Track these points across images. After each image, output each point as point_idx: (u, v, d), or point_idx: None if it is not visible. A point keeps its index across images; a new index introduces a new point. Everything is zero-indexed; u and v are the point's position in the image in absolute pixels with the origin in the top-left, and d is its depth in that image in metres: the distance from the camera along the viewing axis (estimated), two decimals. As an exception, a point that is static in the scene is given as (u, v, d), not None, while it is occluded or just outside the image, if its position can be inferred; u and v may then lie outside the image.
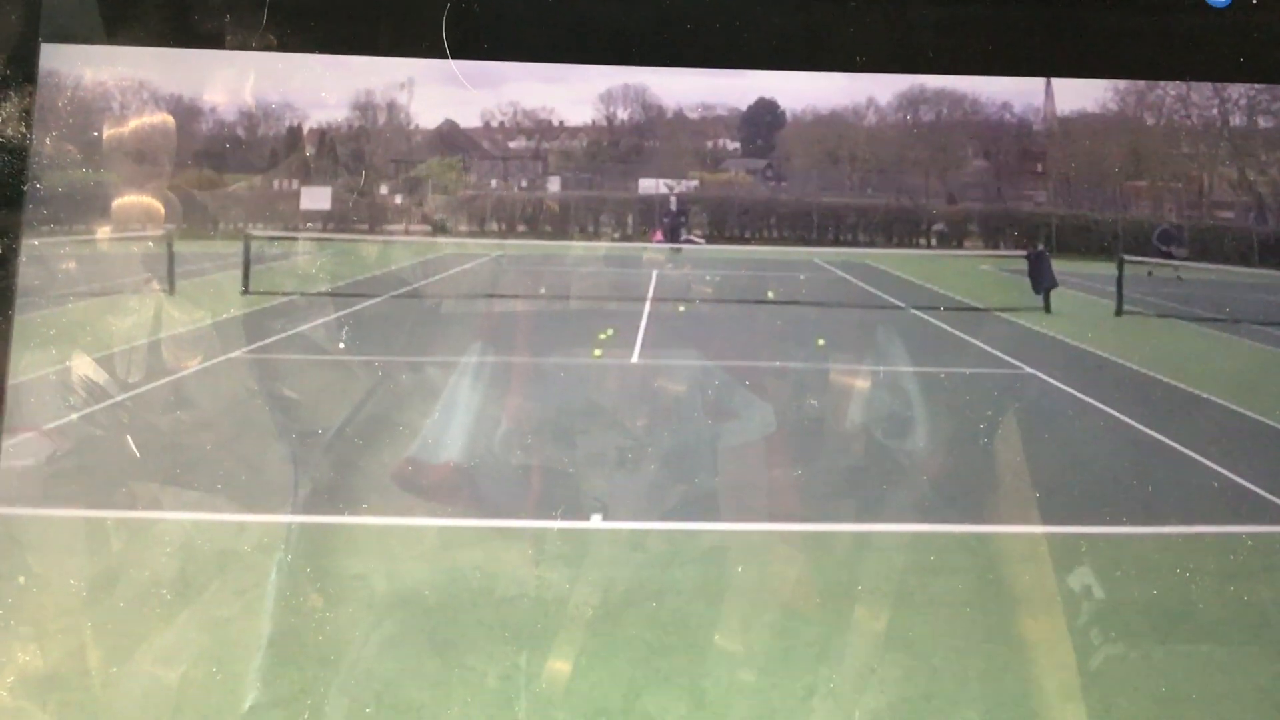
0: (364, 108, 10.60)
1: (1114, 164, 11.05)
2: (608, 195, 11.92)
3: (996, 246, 11.74)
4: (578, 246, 11.59)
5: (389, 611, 4.82)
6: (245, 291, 9.88)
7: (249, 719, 4.09)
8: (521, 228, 11.61)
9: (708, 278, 11.76)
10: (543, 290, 10.86)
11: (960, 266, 12.20)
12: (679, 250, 11.80)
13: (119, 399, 5.49)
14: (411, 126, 11.04)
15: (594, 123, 11.96)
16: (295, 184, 9.78)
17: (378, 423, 6.63)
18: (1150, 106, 10.70)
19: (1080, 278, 11.41)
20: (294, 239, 10.06)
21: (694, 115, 12.12)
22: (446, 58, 2.79)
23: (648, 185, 11.82)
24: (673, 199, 11.79)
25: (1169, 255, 11.15)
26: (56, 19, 2.80)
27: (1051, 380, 8.66)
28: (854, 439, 6.95)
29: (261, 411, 6.64)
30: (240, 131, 9.53)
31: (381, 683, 4.34)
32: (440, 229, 11.22)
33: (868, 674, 4.39)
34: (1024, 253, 10.99)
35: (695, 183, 12.00)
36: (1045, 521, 5.75)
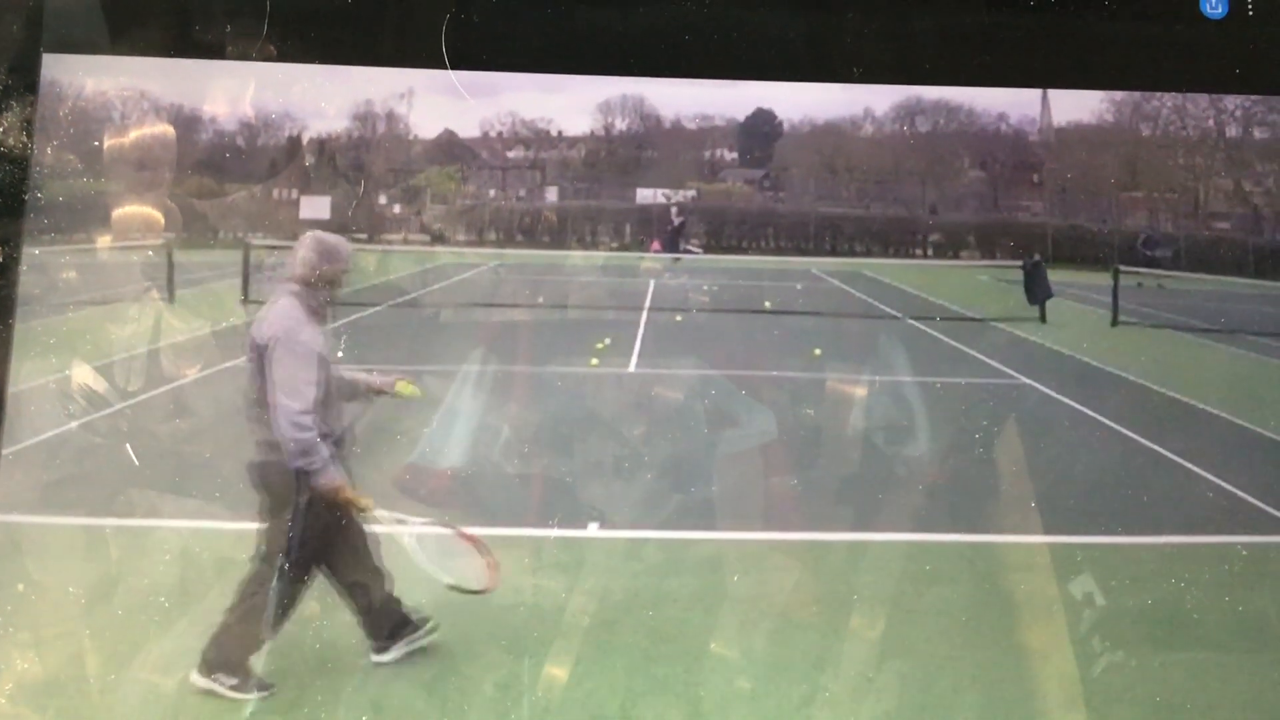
0: (363, 118, 10.62)
1: (1110, 175, 11.07)
2: (606, 205, 11.93)
3: (993, 257, 11.76)
4: (576, 256, 11.60)
5: (387, 619, 4.82)
6: (245, 300, 9.88)
7: (247, 726, 4.10)
8: (519, 237, 11.62)
9: (705, 287, 11.78)
10: (541, 300, 10.87)
11: (957, 277, 12.22)
12: (678, 260, 11.82)
13: (119, 407, 5.50)
14: (410, 136, 11.06)
15: (592, 133, 11.98)
16: (295, 193, 9.79)
17: (376, 431, 6.64)
18: (1146, 118, 10.73)
19: (1076, 288, 11.42)
20: (294, 248, 10.06)
21: (692, 125, 12.14)
22: (445, 68, 2.81)
23: (645, 195, 11.83)
24: (673, 209, 11.81)
25: (1154, 260, 11.17)
26: (58, 29, 2.82)
27: (1047, 391, 8.67)
28: (850, 449, 6.96)
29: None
30: (240, 141, 9.54)
31: (378, 690, 4.35)
32: (438, 238, 11.23)
33: (864, 682, 4.40)
34: (1020, 263, 11.01)
35: (693, 193, 12.02)
36: (1041, 531, 5.76)
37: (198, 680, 4.30)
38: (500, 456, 6.60)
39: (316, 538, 4.49)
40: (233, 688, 4.31)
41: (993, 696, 4.33)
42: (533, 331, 9.87)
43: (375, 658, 4.51)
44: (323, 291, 4.66)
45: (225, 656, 4.34)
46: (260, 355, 4.46)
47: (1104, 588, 5.14)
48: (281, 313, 4.53)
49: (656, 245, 11.65)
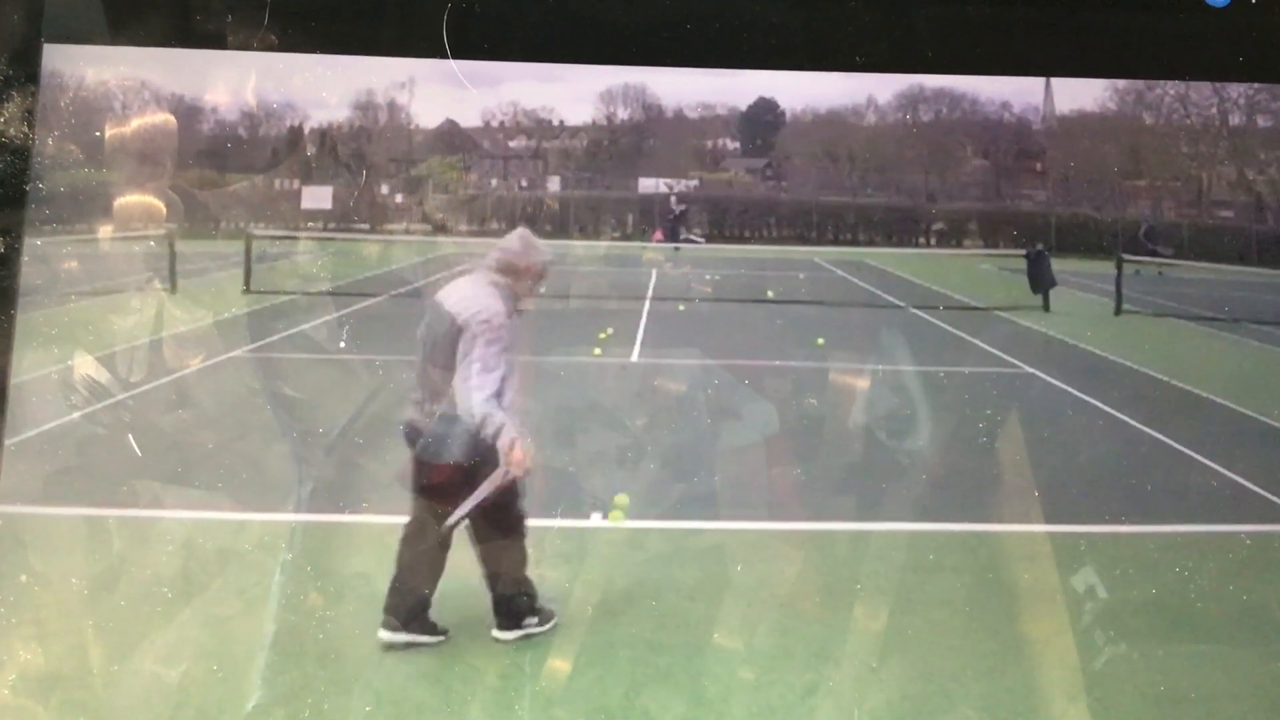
0: (365, 108, 10.62)
1: (1113, 163, 11.07)
2: (608, 194, 11.95)
3: (996, 245, 11.76)
4: (578, 245, 11.61)
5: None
6: (247, 290, 9.89)
7: (251, 717, 4.10)
8: (522, 227, 11.62)
9: (707, 277, 11.78)
10: (543, 289, 10.87)
11: (960, 265, 12.22)
12: (678, 249, 11.84)
13: (121, 397, 5.51)
14: (412, 126, 11.07)
15: (594, 122, 11.99)
16: (296, 183, 9.80)
17: (379, 422, 6.64)
18: (1149, 106, 10.72)
19: (1080, 277, 11.42)
20: (295, 238, 10.08)
21: (694, 115, 12.15)
22: (447, 58, 2.80)
23: (648, 185, 11.84)
24: (672, 199, 11.83)
25: (1156, 251, 11.18)
26: (59, 20, 2.81)
27: (1050, 379, 8.67)
28: (853, 438, 6.96)
29: (263, 410, 6.65)
30: (241, 131, 9.56)
31: (382, 681, 4.35)
32: (440, 228, 11.23)
33: (867, 672, 4.41)
34: (1023, 252, 11.00)
35: (695, 182, 12.03)
36: (1044, 521, 5.76)
37: (508, 635, 4.69)
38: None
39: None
40: (536, 625, 4.73)
41: (996, 686, 4.34)
42: (535, 321, 9.87)
43: (382, 632, 4.55)
44: (521, 284, 4.81)
45: (514, 608, 4.70)
46: (456, 330, 4.64)
47: (1107, 577, 5.14)
48: (486, 295, 4.69)
49: (659, 235, 11.67)
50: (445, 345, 4.64)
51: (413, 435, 4.68)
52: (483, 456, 4.59)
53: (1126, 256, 11.01)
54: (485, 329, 4.60)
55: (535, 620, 4.73)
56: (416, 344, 4.76)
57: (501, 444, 4.52)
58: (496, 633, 4.69)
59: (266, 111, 9.57)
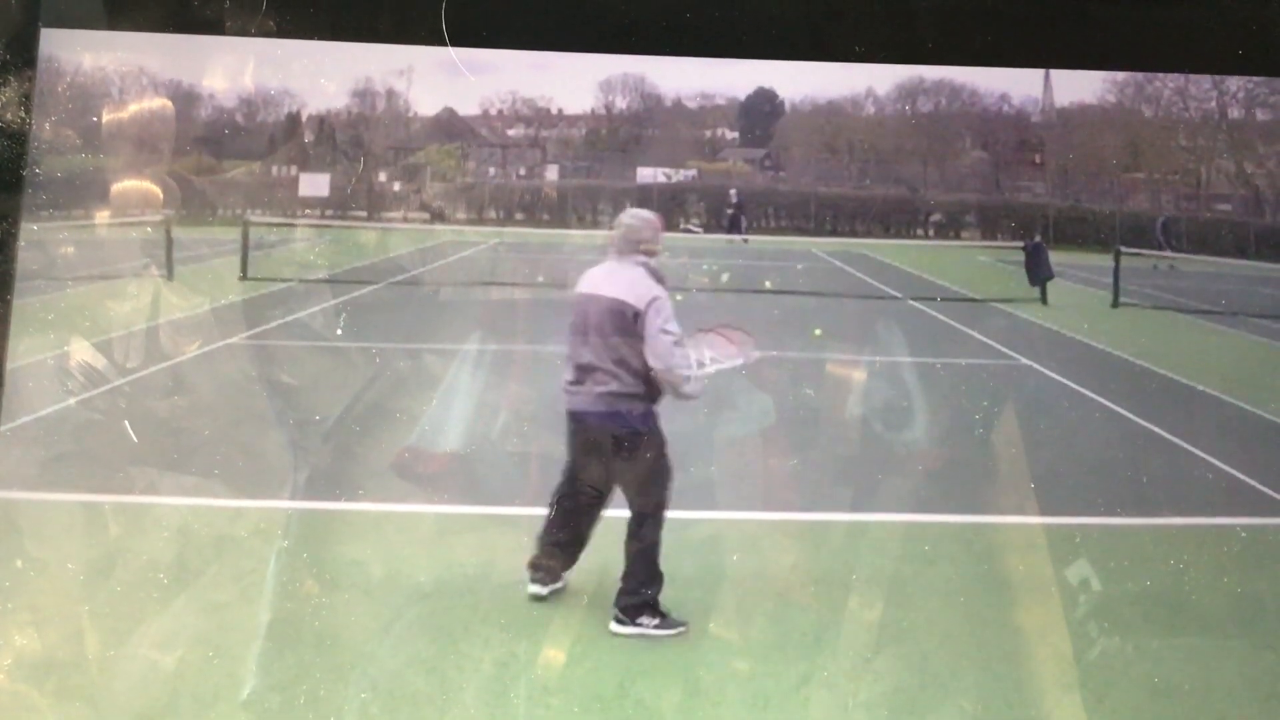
0: (363, 95, 10.59)
1: (1112, 156, 11.05)
2: (606, 184, 11.92)
3: (994, 237, 11.74)
4: (576, 235, 11.59)
5: (385, 598, 4.84)
6: (244, 277, 9.87)
7: (247, 704, 4.10)
8: (519, 216, 11.60)
9: (704, 267, 11.76)
10: (540, 279, 10.86)
11: (958, 257, 12.21)
12: (747, 241, 11.87)
13: (117, 383, 5.50)
14: (410, 114, 11.03)
15: (592, 111, 11.95)
16: (294, 170, 9.78)
17: (375, 410, 6.64)
18: (1148, 99, 10.70)
19: (1078, 269, 11.41)
20: (292, 225, 10.06)
21: (692, 104, 12.10)
22: (445, 45, 2.80)
23: (645, 174, 11.82)
24: (732, 192, 11.86)
25: (1170, 245, 11.17)
26: (57, 5, 2.80)
27: (1047, 372, 8.67)
28: (849, 430, 6.96)
29: (260, 398, 6.65)
30: (239, 118, 9.52)
31: (378, 669, 4.36)
32: (438, 216, 11.21)
33: (861, 663, 4.41)
34: (1021, 244, 10.99)
35: (693, 172, 12.01)
36: (1039, 513, 5.76)
37: (623, 630, 4.79)
38: (499, 436, 6.60)
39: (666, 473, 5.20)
40: (656, 626, 4.80)
41: (990, 677, 4.34)
42: (532, 310, 9.86)
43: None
44: (653, 261, 5.41)
45: (641, 601, 4.85)
46: (634, 315, 5.18)
47: (1101, 569, 5.14)
48: (650, 279, 5.32)
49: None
50: (623, 330, 5.16)
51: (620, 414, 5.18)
52: None
53: (1126, 249, 11.00)
54: (668, 308, 5.23)
55: (655, 621, 4.83)
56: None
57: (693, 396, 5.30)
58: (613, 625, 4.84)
59: (264, 98, 9.54)
